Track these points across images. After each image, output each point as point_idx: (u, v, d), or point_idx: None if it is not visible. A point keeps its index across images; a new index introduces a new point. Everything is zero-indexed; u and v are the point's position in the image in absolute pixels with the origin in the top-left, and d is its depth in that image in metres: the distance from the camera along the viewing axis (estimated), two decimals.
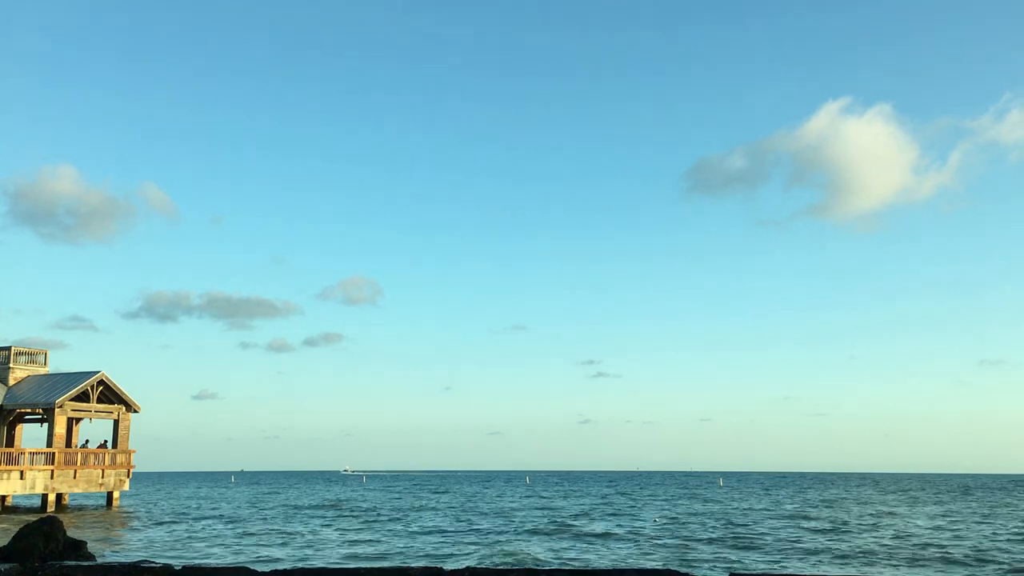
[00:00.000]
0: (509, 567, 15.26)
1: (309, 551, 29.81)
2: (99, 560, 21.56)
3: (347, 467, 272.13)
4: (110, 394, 54.08)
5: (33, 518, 23.85)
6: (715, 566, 25.50)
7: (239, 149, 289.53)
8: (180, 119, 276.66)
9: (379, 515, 50.81)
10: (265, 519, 47.20)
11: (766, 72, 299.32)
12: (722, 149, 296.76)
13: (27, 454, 49.45)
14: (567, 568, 22.65)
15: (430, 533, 37.87)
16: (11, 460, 48.13)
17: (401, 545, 32.22)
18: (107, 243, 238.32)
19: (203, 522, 44.78)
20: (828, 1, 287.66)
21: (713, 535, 36.73)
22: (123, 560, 22.82)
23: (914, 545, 32.24)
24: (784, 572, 21.31)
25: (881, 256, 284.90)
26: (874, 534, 37.44)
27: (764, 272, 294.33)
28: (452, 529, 40.02)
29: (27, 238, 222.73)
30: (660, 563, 26.05)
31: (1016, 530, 40.69)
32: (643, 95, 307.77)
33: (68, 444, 52.67)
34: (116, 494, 54.52)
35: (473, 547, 31.34)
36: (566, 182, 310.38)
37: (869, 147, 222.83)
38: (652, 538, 35.02)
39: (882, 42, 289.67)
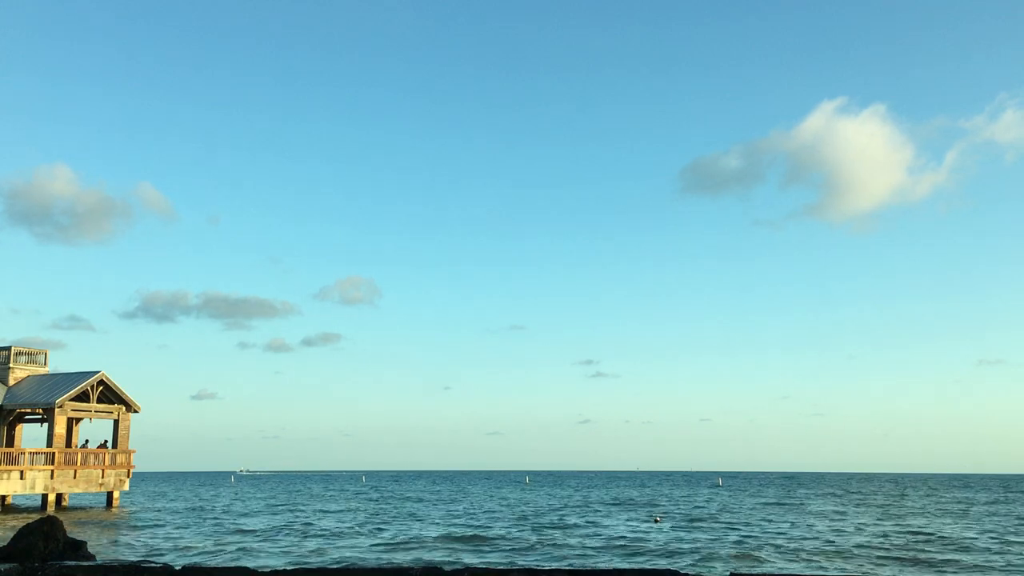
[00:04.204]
0: (509, 567, 15.25)
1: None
2: (99, 560, 21.56)
3: (242, 468, 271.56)
4: (110, 394, 54.05)
5: (33, 518, 23.84)
6: (713, 567, 25.50)
7: (236, 149, 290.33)
8: (176, 119, 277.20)
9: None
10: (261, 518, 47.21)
11: (762, 72, 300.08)
12: (718, 149, 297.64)
13: (27, 454, 49.42)
14: (567, 568, 22.64)
15: None
16: (11, 460, 48.10)
17: None
18: (104, 243, 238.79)
19: (202, 522, 44.76)
20: (824, 1, 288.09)
21: None
22: (123, 560, 22.81)
23: None
24: (785, 572, 21.30)
25: (878, 256, 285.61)
26: None
27: (761, 272, 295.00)
28: None
29: (23, 238, 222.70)
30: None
31: None
32: (639, 94, 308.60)
33: (68, 444, 52.64)
34: (116, 494, 54.50)
35: None
36: (563, 182, 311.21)
37: (865, 147, 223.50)
38: None
39: (877, 42, 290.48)
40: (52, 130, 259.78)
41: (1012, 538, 36.05)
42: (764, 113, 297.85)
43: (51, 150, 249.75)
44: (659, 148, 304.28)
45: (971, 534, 37.86)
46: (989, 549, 31.38)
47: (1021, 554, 29.78)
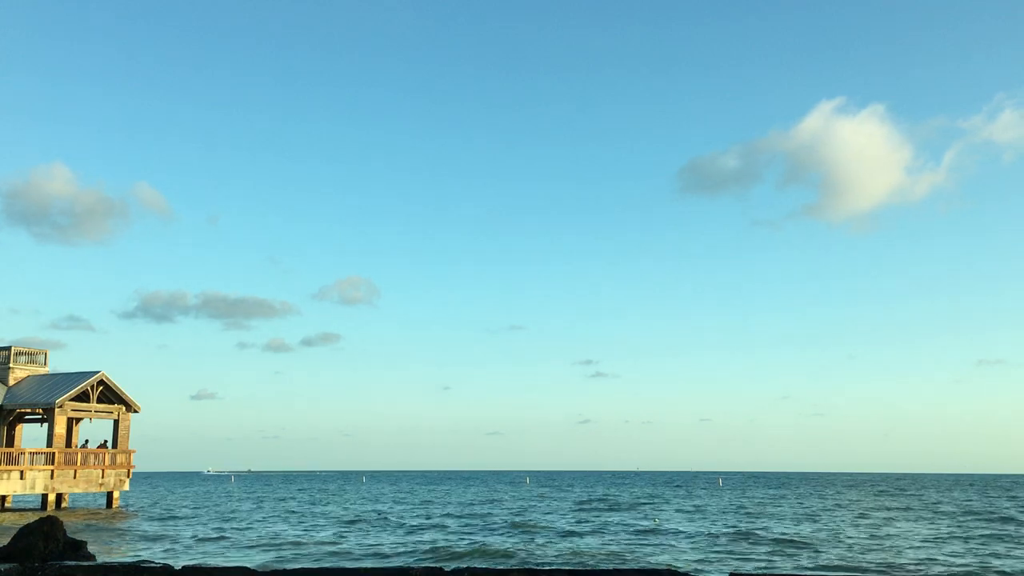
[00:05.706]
0: (509, 567, 15.27)
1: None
2: (99, 560, 21.56)
3: (210, 468, 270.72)
4: (110, 394, 54.06)
5: (33, 518, 23.85)
6: (713, 565, 25.50)
7: (234, 148, 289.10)
8: (175, 118, 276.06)
9: None
10: (263, 520, 47.24)
11: (760, 72, 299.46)
12: (716, 149, 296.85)
13: (27, 454, 49.42)
14: (567, 568, 22.64)
15: None
16: (11, 460, 48.10)
17: None
18: (102, 243, 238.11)
19: (201, 522, 44.77)
20: (823, 1, 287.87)
21: None
22: (123, 560, 22.82)
23: None
24: (784, 572, 21.32)
25: (877, 256, 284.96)
26: None
27: (760, 272, 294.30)
28: None
29: (21, 238, 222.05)
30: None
31: None
32: (638, 94, 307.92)
33: (68, 444, 52.64)
34: (116, 494, 54.50)
35: None
36: (561, 181, 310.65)
37: (863, 147, 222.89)
38: None
39: (876, 42, 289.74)
40: (50, 130, 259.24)
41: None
42: (763, 113, 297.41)
43: (49, 150, 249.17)
44: (658, 148, 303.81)
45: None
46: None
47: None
